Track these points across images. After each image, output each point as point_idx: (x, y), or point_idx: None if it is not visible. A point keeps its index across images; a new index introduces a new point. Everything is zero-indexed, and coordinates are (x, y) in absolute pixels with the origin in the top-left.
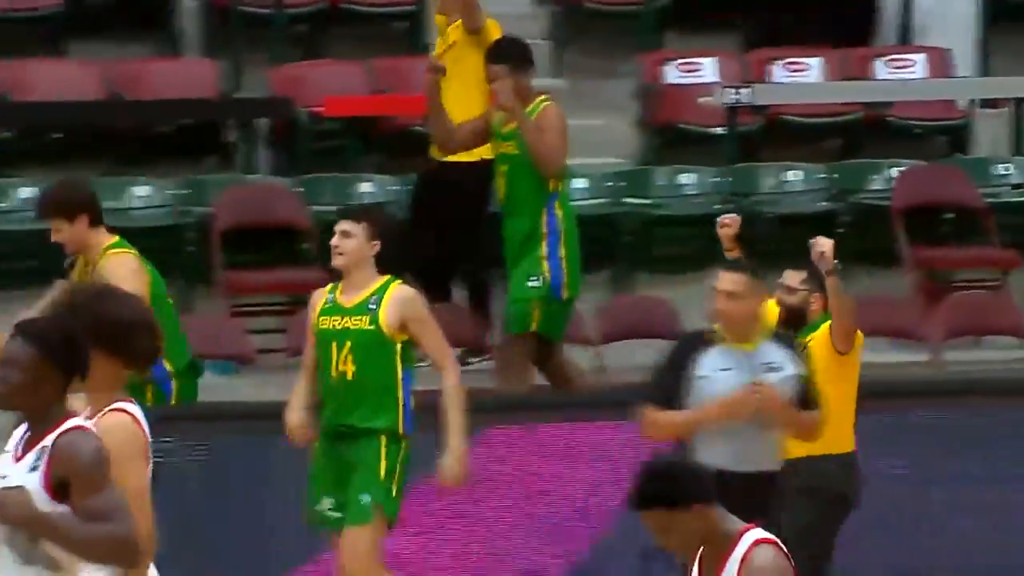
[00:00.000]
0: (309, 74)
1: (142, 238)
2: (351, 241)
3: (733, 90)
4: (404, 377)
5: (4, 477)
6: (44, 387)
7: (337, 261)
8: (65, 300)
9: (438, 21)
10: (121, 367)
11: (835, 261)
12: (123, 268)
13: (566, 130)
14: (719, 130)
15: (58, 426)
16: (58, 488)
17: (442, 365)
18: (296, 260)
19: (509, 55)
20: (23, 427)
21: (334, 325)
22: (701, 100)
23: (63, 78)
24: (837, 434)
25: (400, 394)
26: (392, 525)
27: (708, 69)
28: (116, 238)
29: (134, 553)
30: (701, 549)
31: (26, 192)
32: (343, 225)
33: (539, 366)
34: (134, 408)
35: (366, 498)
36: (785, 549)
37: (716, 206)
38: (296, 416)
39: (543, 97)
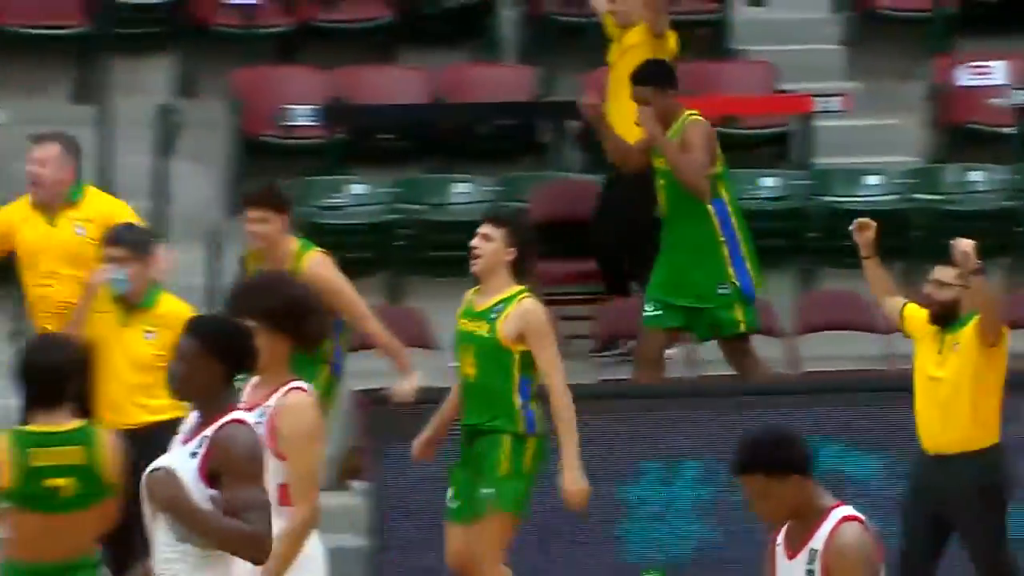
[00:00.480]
0: None
1: (460, 231)
2: (489, 245)
3: (1023, 91)
4: (522, 384)
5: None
6: (206, 378)
7: (473, 266)
8: (233, 290)
9: (608, 26)
10: (290, 347)
11: (979, 260)
12: (329, 266)
13: (711, 145)
14: (1008, 130)
15: (221, 416)
16: (212, 477)
17: (550, 384)
18: None
19: (654, 76)
20: (195, 413)
21: (464, 327)
22: (991, 101)
23: (393, 83)
24: (988, 426)
25: (516, 399)
26: (516, 522)
27: (998, 71)
28: (302, 241)
29: (263, 552)
30: (790, 521)
31: (359, 189)
32: (484, 228)
33: (731, 358)
34: (310, 388)
35: (487, 493)
36: (869, 527)
37: (1005, 202)
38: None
39: (690, 113)
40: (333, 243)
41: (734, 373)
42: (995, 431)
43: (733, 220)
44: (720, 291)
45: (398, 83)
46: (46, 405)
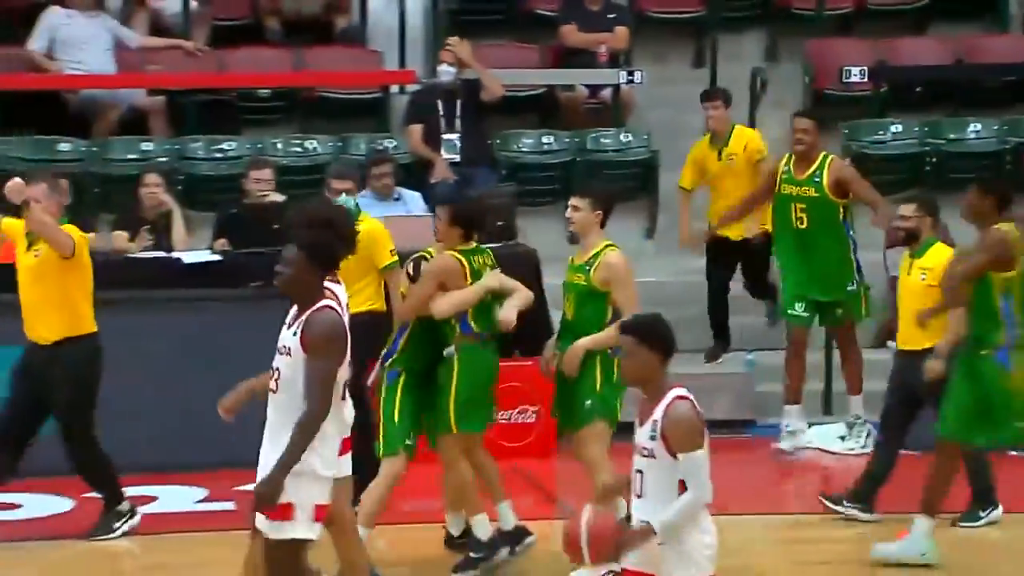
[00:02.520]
0: None
1: (973, 159)
2: (578, 214)
3: None
4: (611, 320)
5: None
6: (306, 278)
7: (571, 228)
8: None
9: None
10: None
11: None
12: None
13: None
14: None
15: (314, 305)
16: (306, 348)
17: (624, 314)
18: None
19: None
20: (295, 307)
21: (567, 278)
22: None
23: (924, 50)
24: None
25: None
26: (613, 426)
27: None
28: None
29: (315, 426)
30: (643, 397)
31: (896, 128)
32: (573, 200)
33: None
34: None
35: (588, 403)
36: (696, 405)
37: None
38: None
39: (825, 153)
40: (876, 169)
41: None
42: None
43: (854, 236)
44: (849, 288)
45: (928, 50)
46: None
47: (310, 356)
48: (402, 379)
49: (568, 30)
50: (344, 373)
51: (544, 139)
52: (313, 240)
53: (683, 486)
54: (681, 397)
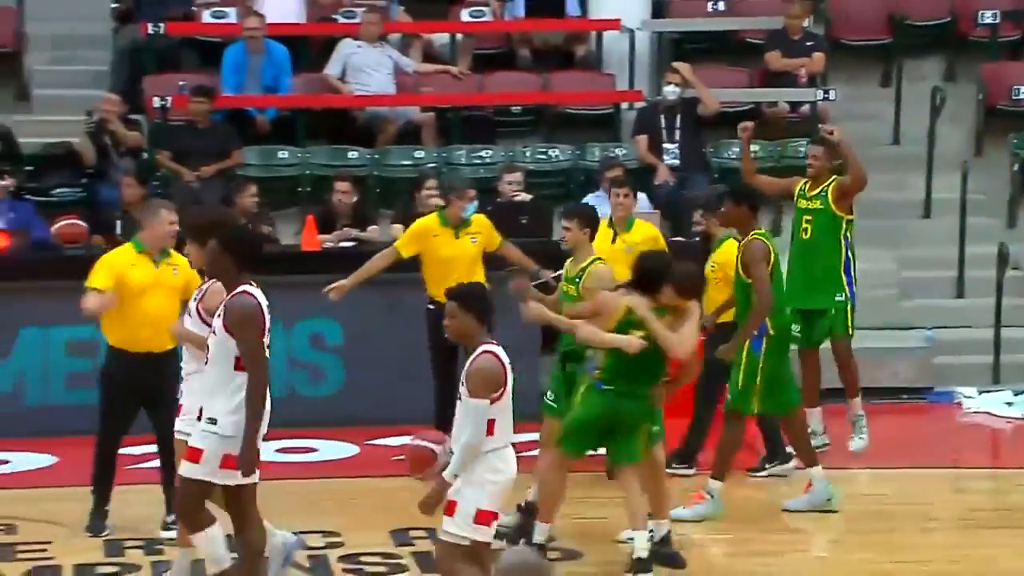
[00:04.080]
0: None
1: None
2: (571, 233)
3: None
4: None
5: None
6: (222, 265)
7: (564, 245)
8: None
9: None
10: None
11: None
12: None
13: None
14: None
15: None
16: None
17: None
18: None
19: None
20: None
21: (564, 289)
22: None
23: None
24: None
25: None
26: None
27: None
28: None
29: (263, 393)
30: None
31: None
32: (564, 222)
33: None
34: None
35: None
36: (502, 358)
37: None
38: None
39: (834, 176)
40: None
41: None
42: None
43: (851, 253)
44: (837, 298)
45: None
46: None
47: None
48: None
49: (773, 56)
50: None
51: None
52: (224, 237)
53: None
54: (488, 352)
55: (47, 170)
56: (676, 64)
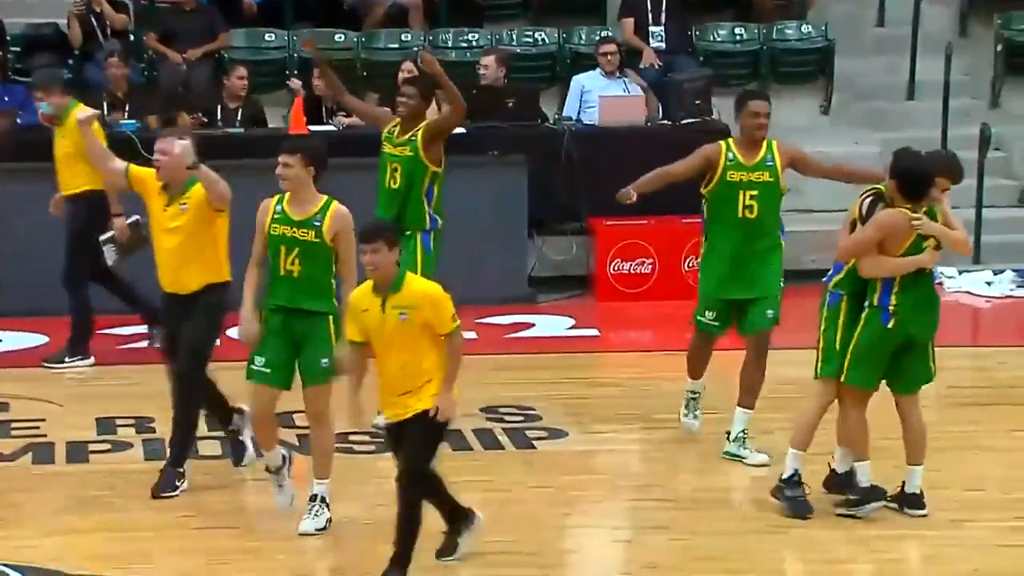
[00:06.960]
0: None
1: None
2: (290, 170)
3: None
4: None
5: None
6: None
7: (283, 186)
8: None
9: None
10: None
11: None
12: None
13: None
14: None
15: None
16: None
17: (345, 275)
18: None
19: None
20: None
21: (287, 233)
22: None
23: None
24: None
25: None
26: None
27: None
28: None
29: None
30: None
31: None
32: (281, 158)
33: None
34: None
35: (326, 362)
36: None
37: None
38: None
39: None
40: None
41: None
42: None
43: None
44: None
45: None
46: None
47: None
48: (844, 303)
49: None
50: None
51: (737, 30)
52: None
53: None
54: None
55: (33, 51)
56: None
